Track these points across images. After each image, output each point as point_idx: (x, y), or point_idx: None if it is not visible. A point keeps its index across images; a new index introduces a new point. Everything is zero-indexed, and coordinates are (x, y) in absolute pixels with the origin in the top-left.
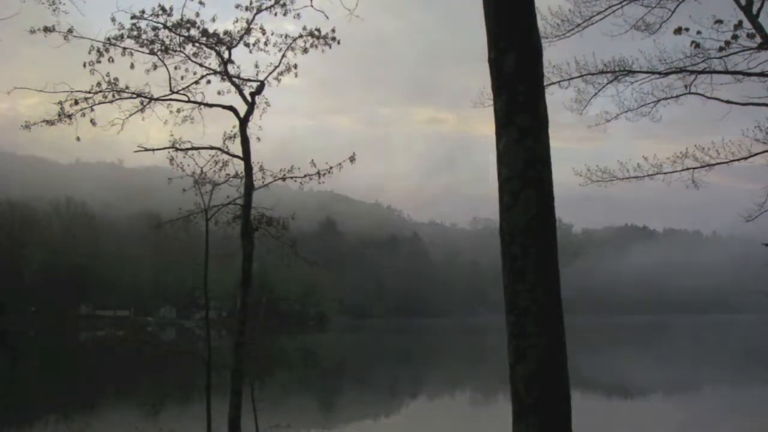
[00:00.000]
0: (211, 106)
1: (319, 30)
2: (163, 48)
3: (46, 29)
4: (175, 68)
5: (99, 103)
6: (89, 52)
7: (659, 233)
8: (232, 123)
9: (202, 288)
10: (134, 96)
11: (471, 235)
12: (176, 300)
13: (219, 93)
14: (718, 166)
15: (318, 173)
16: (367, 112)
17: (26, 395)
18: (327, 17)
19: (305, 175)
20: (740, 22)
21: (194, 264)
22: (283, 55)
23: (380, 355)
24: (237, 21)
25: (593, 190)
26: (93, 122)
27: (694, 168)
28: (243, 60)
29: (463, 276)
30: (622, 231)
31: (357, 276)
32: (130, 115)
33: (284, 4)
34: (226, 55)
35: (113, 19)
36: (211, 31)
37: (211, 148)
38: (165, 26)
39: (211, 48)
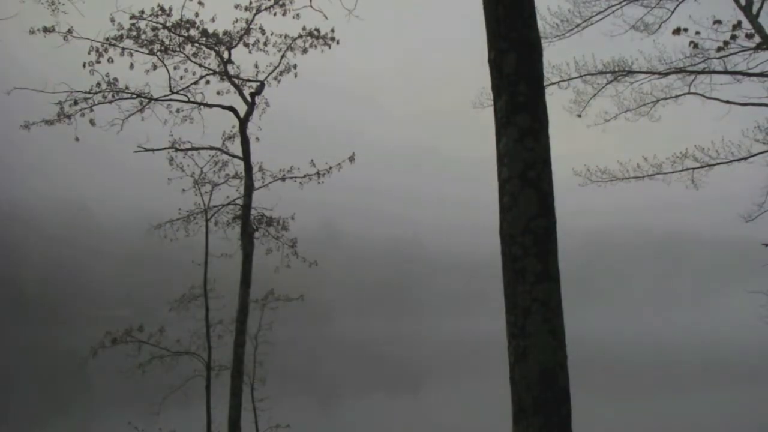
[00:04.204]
0: (210, 106)
1: (318, 30)
2: (162, 48)
3: (46, 29)
4: (175, 68)
5: (98, 104)
6: (89, 53)
7: None
8: (231, 123)
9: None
10: (134, 96)
11: None
12: (176, 299)
13: (219, 93)
14: (717, 166)
15: (318, 173)
16: None
17: (26, 395)
18: (326, 17)
19: (305, 175)
20: (739, 23)
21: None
22: (283, 56)
23: (380, 353)
24: (236, 21)
25: None
26: (92, 122)
27: (694, 168)
28: (243, 60)
29: None
30: None
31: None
32: (130, 116)
33: (283, 5)
34: (225, 56)
35: (112, 20)
36: (210, 31)
37: (211, 148)
38: (164, 26)
39: (211, 48)
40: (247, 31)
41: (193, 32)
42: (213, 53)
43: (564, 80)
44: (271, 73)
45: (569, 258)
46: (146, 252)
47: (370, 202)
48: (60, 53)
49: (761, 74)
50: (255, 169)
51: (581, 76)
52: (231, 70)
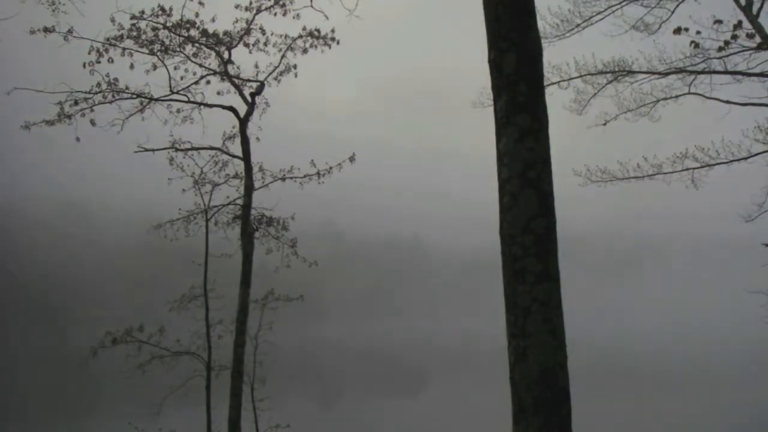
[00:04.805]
0: (211, 106)
1: (318, 30)
2: (162, 48)
3: (46, 29)
4: (175, 68)
5: (99, 104)
6: (89, 53)
7: None
8: (232, 123)
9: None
10: (134, 96)
11: None
12: (176, 299)
13: (219, 93)
14: (718, 166)
15: (318, 173)
16: None
17: (27, 396)
18: (327, 17)
19: (305, 176)
20: (740, 22)
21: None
22: (283, 56)
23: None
24: (237, 21)
25: None
26: (93, 122)
27: (694, 168)
28: (243, 60)
29: None
30: None
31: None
32: (130, 116)
33: (284, 5)
34: (225, 56)
35: (113, 20)
36: (210, 31)
37: (211, 148)
38: (165, 26)
39: (211, 48)
40: (248, 31)
41: (193, 32)
42: (213, 53)
43: (564, 80)
44: (271, 73)
45: (567, 257)
46: (146, 252)
47: (371, 202)
48: (60, 53)
49: (761, 74)
50: (255, 169)
51: (581, 76)
52: (231, 70)
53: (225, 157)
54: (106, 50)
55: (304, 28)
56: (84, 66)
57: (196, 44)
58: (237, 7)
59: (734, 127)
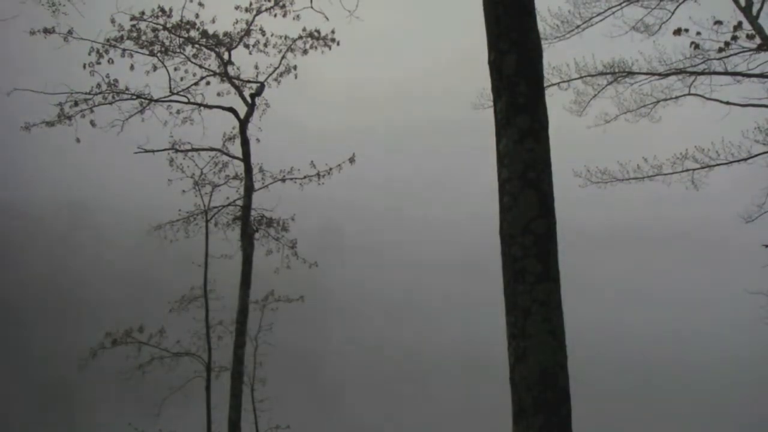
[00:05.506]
0: (211, 107)
1: (318, 31)
2: (162, 49)
3: (46, 30)
4: (175, 69)
5: (99, 105)
6: (89, 54)
7: None
8: (232, 124)
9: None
10: (134, 97)
11: None
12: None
13: (219, 94)
14: (718, 167)
15: (318, 174)
16: None
17: (26, 396)
18: (327, 18)
19: (305, 177)
20: (740, 23)
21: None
22: (283, 57)
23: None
24: (237, 22)
25: None
26: (93, 123)
27: (694, 169)
28: (243, 61)
29: None
30: None
31: None
32: (130, 117)
33: (284, 6)
34: (225, 57)
35: (113, 21)
36: (210, 32)
37: (211, 149)
38: (164, 27)
39: (211, 49)
40: (248, 32)
41: (193, 33)
42: (213, 54)
43: (564, 81)
44: (271, 74)
45: (567, 256)
46: (146, 253)
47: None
48: (60, 54)
49: (761, 75)
50: (255, 170)
51: (581, 77)
52: (231, 71)
53: (225, 158)
54: (107, 51)
55: (304, 29)
56: (84, 67)
57: (196, 45)
58: (237, 8)
59: (734, 128)
